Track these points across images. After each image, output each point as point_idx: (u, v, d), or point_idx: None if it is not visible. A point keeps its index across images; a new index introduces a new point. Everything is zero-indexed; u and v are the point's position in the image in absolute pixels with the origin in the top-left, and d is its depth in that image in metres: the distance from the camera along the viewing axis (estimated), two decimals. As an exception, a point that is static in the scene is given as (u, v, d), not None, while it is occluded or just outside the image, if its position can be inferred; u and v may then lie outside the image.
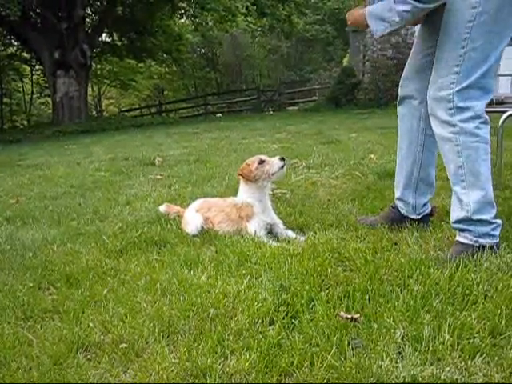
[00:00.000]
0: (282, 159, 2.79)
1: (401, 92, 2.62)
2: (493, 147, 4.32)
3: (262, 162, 2.78)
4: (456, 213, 2.26)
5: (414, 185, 2.62)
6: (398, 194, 2.71)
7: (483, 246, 2.18)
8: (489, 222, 2.20)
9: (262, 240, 2.68)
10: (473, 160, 2.19)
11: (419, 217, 2.66)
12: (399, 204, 2.69)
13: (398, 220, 2.68)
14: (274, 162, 2.78)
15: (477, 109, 2.16)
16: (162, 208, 3.34)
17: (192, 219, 2.93)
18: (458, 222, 2.26)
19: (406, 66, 2.60)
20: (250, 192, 2.84)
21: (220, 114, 20.74)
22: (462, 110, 2.16)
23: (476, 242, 2.20)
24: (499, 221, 2.24)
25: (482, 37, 2.10)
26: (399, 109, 2.65)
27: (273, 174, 2.78)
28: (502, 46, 2.16)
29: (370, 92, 13.48)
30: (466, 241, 2.23)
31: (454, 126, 2.19)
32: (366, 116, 10.56)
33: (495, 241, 2.20)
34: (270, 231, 2.84)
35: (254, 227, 2.77)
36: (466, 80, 2.14)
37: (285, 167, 2.80)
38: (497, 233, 2.22)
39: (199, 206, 3.03)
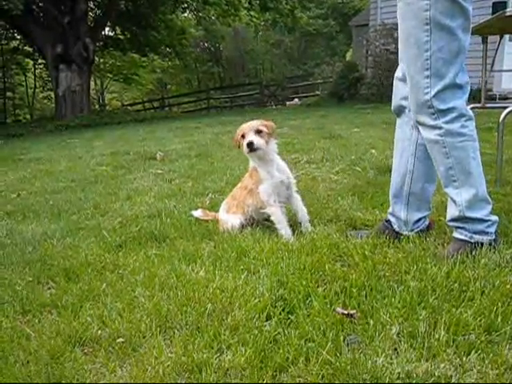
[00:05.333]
0: (249, 145, 2.64)
1: (393, 100, 2.54)
2: (493, 143, 4.32)
3: (243, 136, 2.70)
4: (451, 212, 2.25)
5: (405, 199, 2.48)
6: (390, 208, 2.58)
7: (481, 243, 2.17)
8: (482, 220, 2.18)
9: (272, 209, 2.69)
10: (462, 159, 2.16)
11: (412, 233, 2.46)
12: (391, 218, 2.55)
13: (391, 235, 2.50)
14: (244, 144, 2.67)
15: (460, 107, 2.13)
16: (197, 213, 3.19)
17: (225, 222, 2.89)
18: (452, 220, 2.26)
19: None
20: (252, 157, 2.78)
21: None
22: (444, 112, 2.13)
23: (471, 237, 2.18)
24: (494, 218, 2.22)
25: (444, 36, 2.06)
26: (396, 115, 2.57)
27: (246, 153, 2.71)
28: (468, 38, 2.12)
29: (373, 87, 13.41)
30: (461, 237, 2.21)
31: (440, 128, 2.16)
32: (369, 111, 10.51)
33: (491, 238, 2.18)
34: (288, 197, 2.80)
35: (264, 193, 2.72)
36: (440, 81, 2.10)
37: (254, 152, 2.67)
38: (492, 230, 2.20)
39: (226, 205, 2.97)
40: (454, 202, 2.21)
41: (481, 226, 2.18)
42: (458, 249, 2.17)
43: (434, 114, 2.15)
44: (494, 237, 2.19)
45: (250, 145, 2.66)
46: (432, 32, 2.07)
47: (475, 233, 2.19)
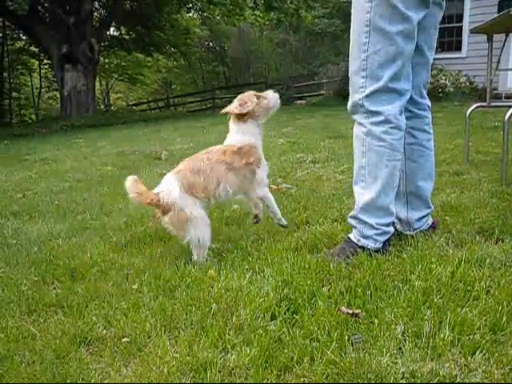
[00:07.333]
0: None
1: None
2: (498, 142, 4.29)
3: (258, 96, 2.63)
4: (354, 209, 2.32)
5: (404, 199, 2.45)
6: None
7: (366, 248, 2.23)
8: (372, 227, 2.22)
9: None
10: (374, 163, 2.21)
11: (414, 233, 2.43)
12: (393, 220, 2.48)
13: (395, 235, 2.41)
14: (272, 95, 2.66)
15: (387, 113, 2.15)
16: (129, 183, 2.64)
17: (181, 207, 2.37)
18: (351, 217, 2.32)
19: None
20: (249, 131, 2.59)
21: None
22: (373, 113, 2.17)
23: (359, 241, 2.25)
24: (388, 229, 2.26)
25: (381, 40, 2.09)
26: None
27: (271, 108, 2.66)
28: (410, 46, 2.12)
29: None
30: (351, 237, 2.29)
31: (365, 126, 2.21)
32: (374, 110, 10.48)
33: (377, 246, 2.23)
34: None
35: (265, 174, 2.59)
36: (374, 84, 2.14)
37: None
38: (381, 239, 2.24)
39: (184, 180, 2.42)
40: (356, 200, 2.29)
41: (371, 231, 2.23)
42: (344, 248, 2.25)
43: (365, 113, 2.20)
44: (380, 245, 2.24)
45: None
46: (371, 34, 2.11)
47: (363, 237, 2.25)
